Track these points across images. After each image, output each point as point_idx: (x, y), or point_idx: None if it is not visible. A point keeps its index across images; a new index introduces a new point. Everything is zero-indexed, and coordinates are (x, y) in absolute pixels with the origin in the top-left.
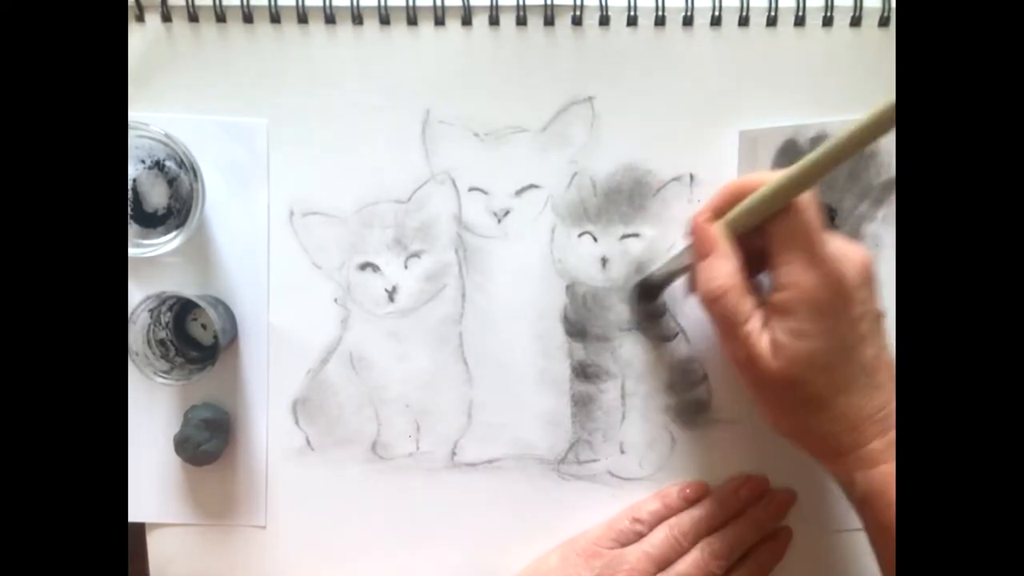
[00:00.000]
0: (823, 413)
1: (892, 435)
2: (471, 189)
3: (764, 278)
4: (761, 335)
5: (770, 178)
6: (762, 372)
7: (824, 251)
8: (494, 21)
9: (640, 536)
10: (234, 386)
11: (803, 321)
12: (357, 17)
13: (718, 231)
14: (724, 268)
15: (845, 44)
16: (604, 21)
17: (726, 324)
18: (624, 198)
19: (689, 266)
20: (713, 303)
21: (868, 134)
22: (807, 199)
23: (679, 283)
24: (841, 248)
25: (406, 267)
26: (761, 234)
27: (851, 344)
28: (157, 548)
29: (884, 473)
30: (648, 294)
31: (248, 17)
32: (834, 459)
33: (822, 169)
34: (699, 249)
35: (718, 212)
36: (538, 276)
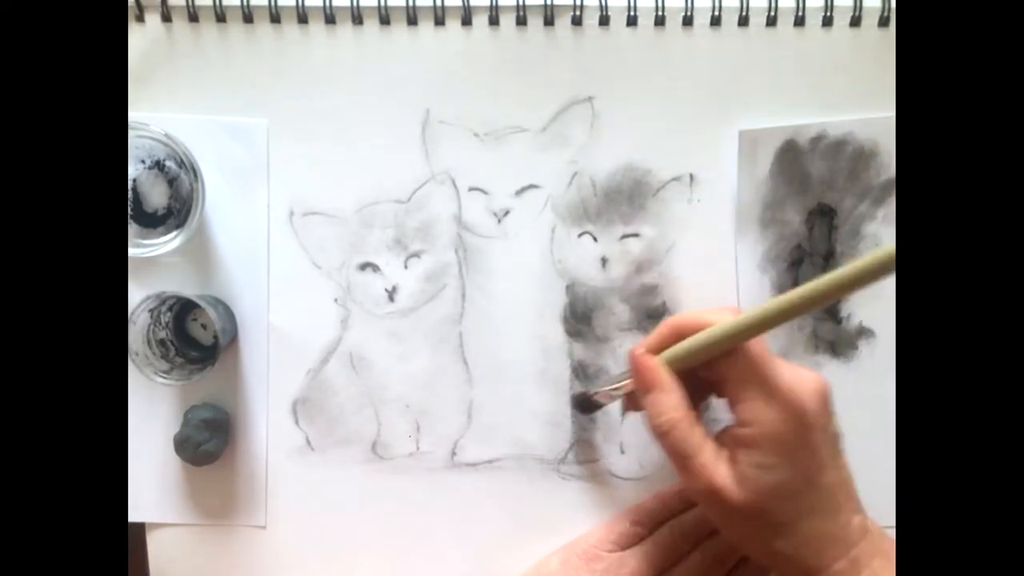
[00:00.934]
0: (787, 538)
1: (853, 553)
2: (471, 189)
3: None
4: (717, 466)
5: (715, 321)
6: (725, 503)
7: (780, 385)
8: (494, 21)
9: (640, 538)
10: (234, 386)
11: (767, 455)
12: (357, 17)
13: (660, 364)
14: (669, 402)
15: (845, 44)
16: (604, 21)
17: (678, 457)
18: (624, 198)
19: (630, 392)
20: (663, 437)
21: (821, 294)
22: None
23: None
24: (796, 376)
25: (406, 267)
26: (707, 367)
27: (814, 471)
28: (157, 548)
29: None
30: (585, 407)
31: (248, 17)
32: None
33: (773, 321)
34: (641, 383)
35: (658, 347)
36: (538, 276)
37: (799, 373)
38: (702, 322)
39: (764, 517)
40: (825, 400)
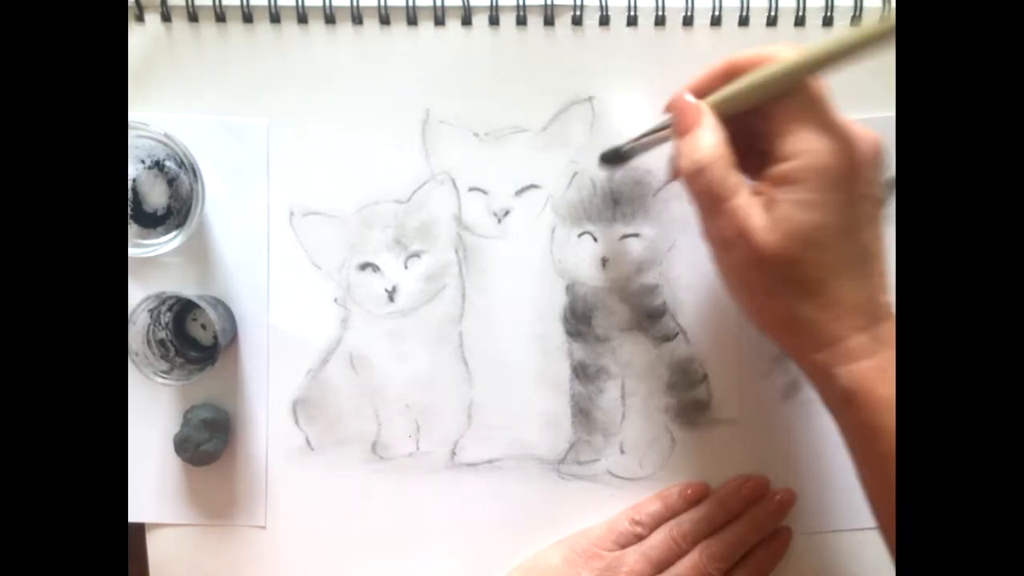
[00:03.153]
0: (812, 299)
1: (875, 330)
2: (471, 189)
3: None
4: (752, 209)
5: (769, 59)
6: (754, 249)
7: (836, 120)
8: (494, 21)
9: (640, 538)
10: (234, 386)
11: (811, 191)
12: (357, 17)
13: (702, 105)
14: (709, 140)
15: None
16: (604, 21)
17: (711, 199)
18: (624, 198)
19: (663, 139)
20: (696, 176)
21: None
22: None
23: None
24: (853, 123)
25: (406, 267)
26: (754, 114)
27: (852, 224)
28: (157, 548)
29: (867, 368)
30: (614, 159)
31: (248, 17)
32: (814, 352)
33: (841, 55)
34: (681, 123)
35: (703, 91)
36: (538, 276)
37: (856, 123)
38: (754, 59)
39: (794, 268)
40: (879, 154)
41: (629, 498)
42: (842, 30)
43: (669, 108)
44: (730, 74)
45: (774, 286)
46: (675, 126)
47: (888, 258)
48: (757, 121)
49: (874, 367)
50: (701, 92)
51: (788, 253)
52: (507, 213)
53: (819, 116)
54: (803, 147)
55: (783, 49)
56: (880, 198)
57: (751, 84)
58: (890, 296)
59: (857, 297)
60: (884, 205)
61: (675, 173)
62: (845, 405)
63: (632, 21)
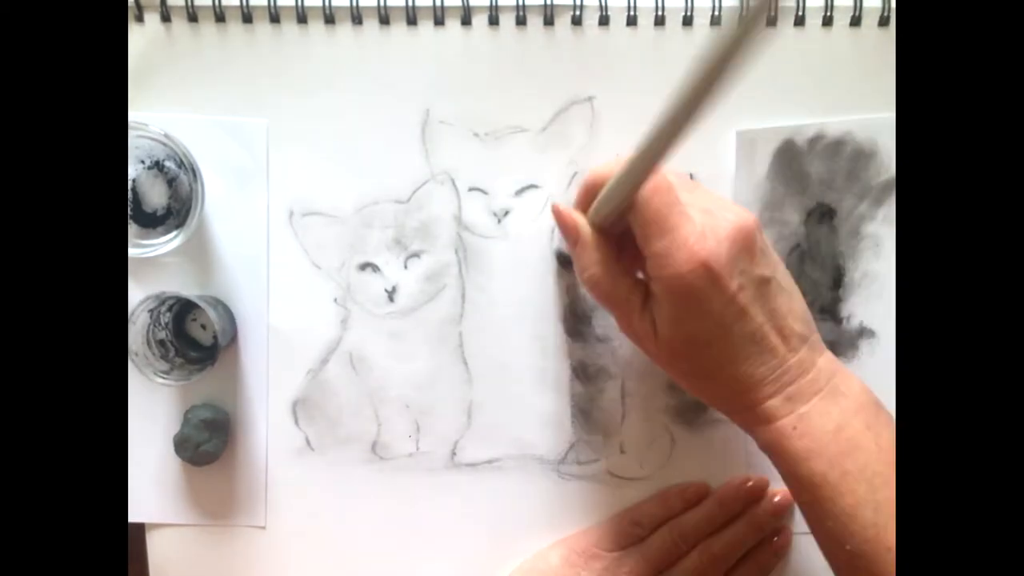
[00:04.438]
0: (713, 381)
1: (788, 391)
2: (471, 189)
3: None
4: (643, 315)
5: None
6: (649, 348)
7: (683, 235)
8: (494, 21)
9: (640, 538)
10: (234, 386)
11: (674, 309)
12: (357, 17)
13: (579, 219)
14: (591, 256)
15: (845, 44)
16: (604, 21)
17: (608, 307)
18: None
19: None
20: (591, 290)
21: (695, 94)
22: (663, 183)
23: None
24: (711, 220)
25: (406, 267)
26: (623, 224)
27: (730, 320)
28: (157, 548)
29: (780, 427)
30: (566, 261)
31: (247, 17)
32: (733, 415)
33: (662, 146)
34: (567, 239)
35: (580, 206)
36: (538, 276)
37: (716, 217)
38: (606, 174)
39: (684, 362)
40: (742, 245)
41: (629, 498)
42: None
43: (555, 221)
44: (595, 185)
45: (678, 373)
46: (566, 241)
47: (798, 310)
48: (630, 234)
49: (786, 425)
50: (580, 208)
51: (675, 353)
52: (507, 213)
53: (665, 231)
54: (656, 272)
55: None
56: (761, 278)
57: (604, 195)
58: (806, 349)
59: (759, 374)
60: (771, 280)
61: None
62: (770, 456)
63: (632, 21)
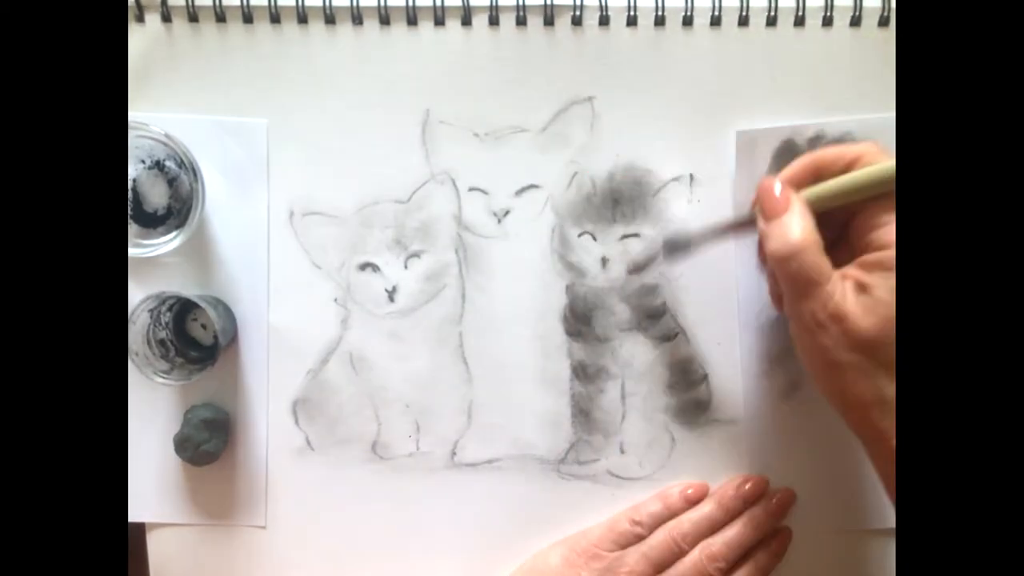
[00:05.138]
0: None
1: None
2: (471, 189)
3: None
4: (847, 294)
5: (862, 158)
6: (850, 332)
7: None
8: (494, 21)
9: (640, 538)
10: (234, 386)
11: None
12: (357, 17)
13: (792, 192)
14: (801, 224)
15: (845, 44)
16: (604, 21)
17: (803, 282)
18: (624, 198)
19: (732, 230)
20: (788, 261)
21: None
22: None
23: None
24: None
25: (406, 267)
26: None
27: None
28: (157, 548)
29: None
30: (675, 247)
31: (248, 17)
32: (880, 421)
33: None
34: (770, 209)
35: (793, 183)
36: (538, 276)
37: None
38: (847, 157)
39: (889, 350)
40: None
41: (629, 498)
42: None
43: (757, 193)
44: (817, 168)
45: (866, 367)
46: (762, 211)
47: None
48: (841, 212)
49: None
50: (792, 184)
51: (884, 336)
52: (507, 213)
53: None
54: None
55: (871, 149)
56: None
57: (846, 186)
58: None
59: None
60: None
61: (762, 256)
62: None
63: (632, 21)
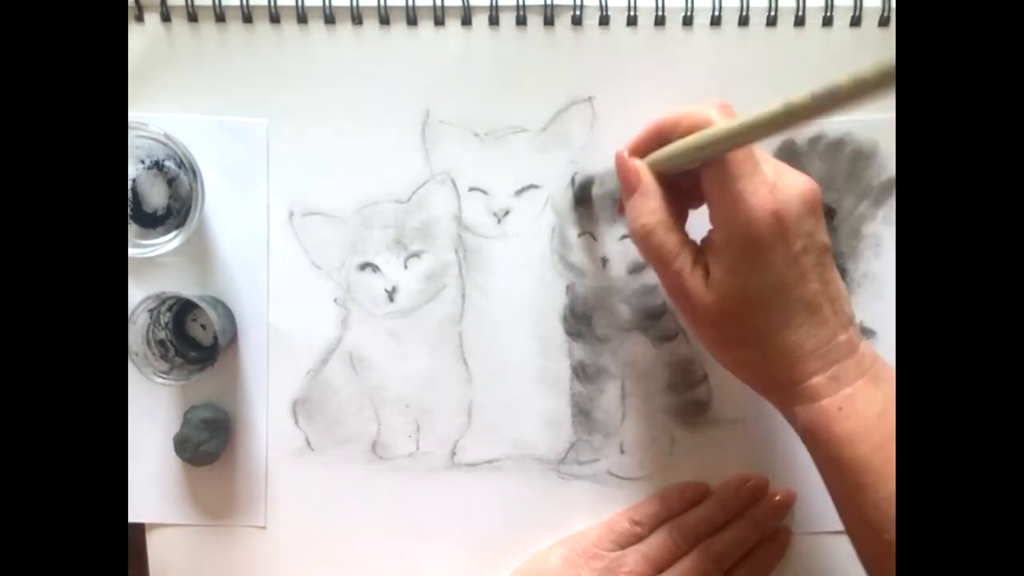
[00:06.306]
0: (760, 348)
1: (834, 370)
2: (471, 189)
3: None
4: (694, 271)
5: (697, 121)
6: (696, 307)
7: (757, 185)
8: (494, 21)
9: (640, 538)
10: (234, 386)
11: (738, 259)
12: (357, 17)
13: (641, 168)
14: (648, 206)
15: (845, 44)
16: (604, 21)
17: (656, 260)
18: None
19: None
20: (641, 240)
21: (818, 104)
22: None
23: None
24: (782, 178)
25: (406, 267)
26: (694, 175)
27: (790, 280)
28: (157, 548)
29: (824, 406)
30: (584, 200)
31: (247, 17)
32: (773, 392)
33: (763, 130)
34: (624, 185)
35: (642, 150)
36: (538, 276)
37: (786, 176)
38: (684, 123)
39: (734, 324)
40: (811, 206)
41: (629, 498)
42: (774, 104)
43: (615, 165)
44: (661, 134)
45: (722, 338)
46: (622, 187)
47: (845, 295)
48: (692, 179)
49: (831, 405)
50: (640, 152)
51: (725, 311)
52: (507, 213)
53: (742, 183)
54: (726, 218)
55: (712, 110)
56: (824, 245)
57: (682, 149)
58: (853, 330)
59: (809, 344)
60: (830, 251)
61: (620, 213)
62: (807, 439)
63: (632, 21)
